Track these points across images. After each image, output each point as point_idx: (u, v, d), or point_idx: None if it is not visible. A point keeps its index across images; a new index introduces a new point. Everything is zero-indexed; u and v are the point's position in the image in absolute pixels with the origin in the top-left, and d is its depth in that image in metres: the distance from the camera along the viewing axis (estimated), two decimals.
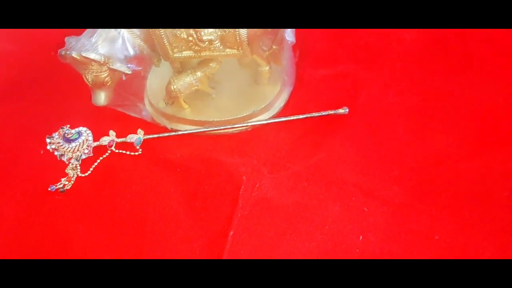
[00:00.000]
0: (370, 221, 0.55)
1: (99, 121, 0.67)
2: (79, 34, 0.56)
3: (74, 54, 0.52)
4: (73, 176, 0.62)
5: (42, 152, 0.65)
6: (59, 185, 0.61)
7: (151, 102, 0.67)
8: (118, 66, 0.55)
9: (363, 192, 0.58)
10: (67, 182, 0.62)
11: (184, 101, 0.65)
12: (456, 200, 0.56)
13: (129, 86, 0.63)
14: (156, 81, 0.69)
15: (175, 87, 0.63)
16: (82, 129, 0.66)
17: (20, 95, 0.73)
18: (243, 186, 0.59)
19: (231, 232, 0.54)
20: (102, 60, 0.53)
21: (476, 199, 0.56)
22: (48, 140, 0.64)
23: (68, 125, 0.66)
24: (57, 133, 0.65)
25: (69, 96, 0.71)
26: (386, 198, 0.57)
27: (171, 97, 0.64)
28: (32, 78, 0.75)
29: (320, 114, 0.64)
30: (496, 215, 0.54)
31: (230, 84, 0.68)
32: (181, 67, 0.64)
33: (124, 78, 0.58)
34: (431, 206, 0.56)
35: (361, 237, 0.53)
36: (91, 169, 0.63)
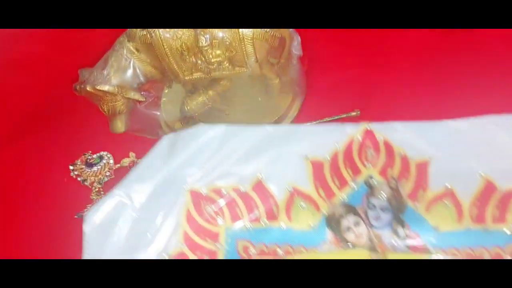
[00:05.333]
0: None
1: (119, 144, 0.69)
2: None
3: (88, 88, 0.54)
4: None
5: (66, 180, 0.67)
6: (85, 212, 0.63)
7: (167, 123, 0.69)
8: (132, 94, 0.57)
9: None
10: None
11: (200, 120, 0.67)
12: None
13: (144, 110, 0.64)
14: (170, 102, 0.71)
15: (188, 107, 0.64)
16: (103, 153, 0.68)
17: (40, 127, 0.75)
18: None
19: None
20: (116, 91, 0.55)
21: None
22: (71, 167, 0.67)
23: (90, 151, 0.68)
24: (79, 159, 0.68)
25: (88, 123, 0.72)
26: None
27: (186, 118, 0.66)
28: (51, 110, 0.77)
29: (332, 118, 0.65)
30: None
31: (242, 99, 0.69)
32: (193, 88, 0.65)
33: (138, 106, 0.60)
34: None
35: None
36: None
